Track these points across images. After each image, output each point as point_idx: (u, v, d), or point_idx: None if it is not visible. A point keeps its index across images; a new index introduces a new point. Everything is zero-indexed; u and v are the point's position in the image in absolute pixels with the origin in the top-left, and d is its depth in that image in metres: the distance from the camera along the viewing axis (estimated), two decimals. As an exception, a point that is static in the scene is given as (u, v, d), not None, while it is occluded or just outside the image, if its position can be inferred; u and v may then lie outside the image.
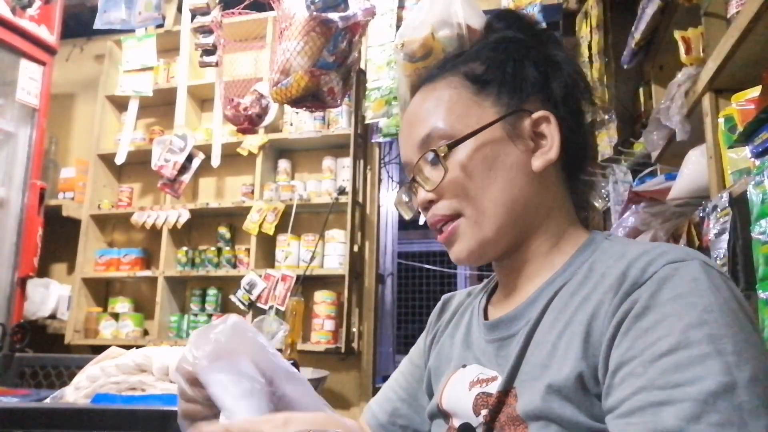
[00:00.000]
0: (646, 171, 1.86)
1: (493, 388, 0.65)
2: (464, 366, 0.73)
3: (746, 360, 0.50)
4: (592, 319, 0.59)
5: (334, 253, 2.93)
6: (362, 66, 2.76)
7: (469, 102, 0.71)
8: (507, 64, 0.71)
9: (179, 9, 3.20)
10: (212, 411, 0.63)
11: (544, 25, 1.26)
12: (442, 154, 0.69)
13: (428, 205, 0.72)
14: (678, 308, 0.53)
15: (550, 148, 0.69)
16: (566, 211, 0.73)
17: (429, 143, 0.71)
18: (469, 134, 0.69)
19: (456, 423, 0.69)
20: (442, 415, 0.73)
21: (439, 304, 0.88)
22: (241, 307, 2.97)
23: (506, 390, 0.63)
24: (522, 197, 0.69)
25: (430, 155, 0.70)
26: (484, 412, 0.65)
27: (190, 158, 3.11)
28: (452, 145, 0.69)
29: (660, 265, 0.56)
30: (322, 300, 2.89)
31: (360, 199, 2.99)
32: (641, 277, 0.57)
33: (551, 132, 0.70)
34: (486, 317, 0.76)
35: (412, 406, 0.83)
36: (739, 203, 1.05)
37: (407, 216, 0.80)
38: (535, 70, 0.72)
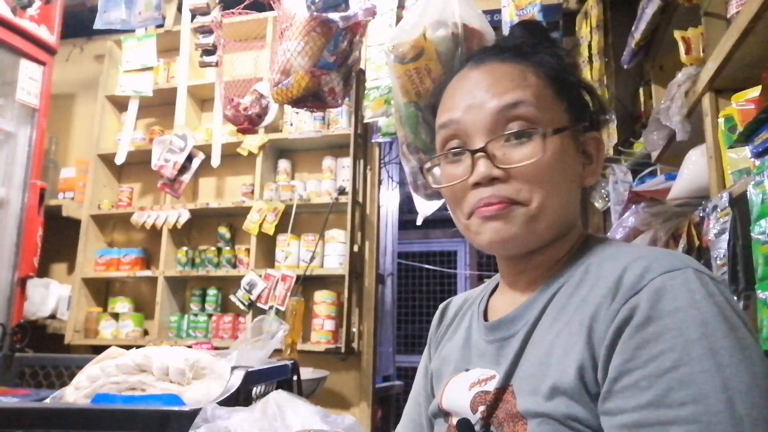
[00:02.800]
0: (646, 171, 1.86)
1: (491, 386, 0.66)
2: (467, 370, 0.74)
3: (744, 368, 0.52)
4: (593, 322, 0.60)
5: (334, 253, 2.93)
6: (362, 66, 2.76)
7: (552, 98, 0.69)
8: (572, 75, 0.73)
9: (179, 9, 3.20)
10: None
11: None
12: (548, 136, 0.65)
13: (492, 182, 0.65)
14: (678, 322, 0.55)
15: (595, 169, 0.72)
16: (580, 220, 0.74)
17: (516, 111, 0.66)
18: (563, 128, 0.67)
19: (455, 421, 0.70)
20: (443, 414, 0.75)
21: (436, 316, 0.89)
22: (241, 307, 2.97)
23: (503, 387, 0.65)
24: (568, 206, 0.70)
25: (528, 131, 0.65)
26: (481, 408, 0.66)
27: (190, 158, 3.11)
28: (557, 131, 0.66)
29: (656, 273, 0.57)
30: (322, 300, 2.89)
31: (360, 199, 2.99)
32: (638, 284, 0.58)
33: (599, 155, 0.72)
34: (486, 319, 0.76)
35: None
36: (739, 203, 1.05)
37: (431, 183, 0.74)
38: (581, 89, 0.74)
